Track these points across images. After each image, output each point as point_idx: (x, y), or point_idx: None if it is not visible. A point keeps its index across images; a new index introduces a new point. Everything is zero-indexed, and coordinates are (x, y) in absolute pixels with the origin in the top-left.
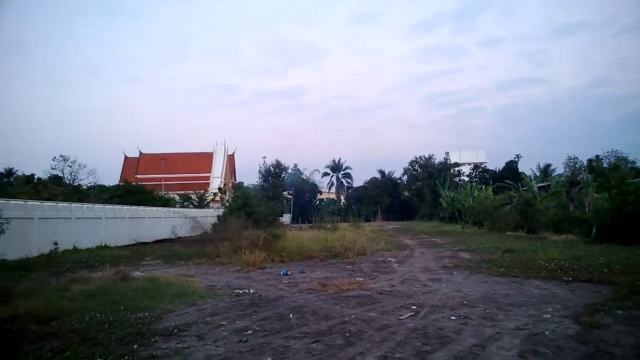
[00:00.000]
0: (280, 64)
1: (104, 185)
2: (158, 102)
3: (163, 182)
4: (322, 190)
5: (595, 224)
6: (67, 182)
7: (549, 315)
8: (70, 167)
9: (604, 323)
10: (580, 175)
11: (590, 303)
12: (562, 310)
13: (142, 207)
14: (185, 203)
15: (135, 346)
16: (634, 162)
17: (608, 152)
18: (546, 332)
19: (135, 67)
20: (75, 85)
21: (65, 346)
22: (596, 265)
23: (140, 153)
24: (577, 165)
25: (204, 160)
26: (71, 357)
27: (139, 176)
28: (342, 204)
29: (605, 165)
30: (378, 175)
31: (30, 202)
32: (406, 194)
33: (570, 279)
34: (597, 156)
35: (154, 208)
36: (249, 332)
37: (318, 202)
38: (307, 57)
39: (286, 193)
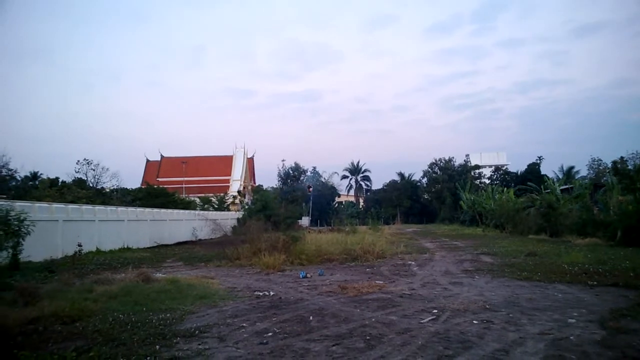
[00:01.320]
0: (296, 68)
1: (126, 188)
2: (178, 107)
3: (184, 185)
4: (341, 192)
5: (620, 227)
6: (91, 185)
7: (573, 320)
8: (94, 170)
9: (630, 328)
10: (605, 178)
11: (616, 308)
12: (587, 315)
13: (163, 210)
14: (206, 206)
15: (158, 347)
16: None
17: (633, 153)
18: (571, 337)
19: (155, 72)
20: (97, 90)
21: (89, 346)
22: (622, 269)
23: (162, 156)
24: (601, 167)
25: (224, 163)
26: (95, 357)
27: (160, 179)
28: (361, 206)
29: (630, 167)
30: (397, 178)
31: (54, 205)
32: (426, 196)
33: (595, 283)
34: (621, 158)
35: (175, 210)
36: (269, 334)
37: (337, 204)
38: (324, 60)
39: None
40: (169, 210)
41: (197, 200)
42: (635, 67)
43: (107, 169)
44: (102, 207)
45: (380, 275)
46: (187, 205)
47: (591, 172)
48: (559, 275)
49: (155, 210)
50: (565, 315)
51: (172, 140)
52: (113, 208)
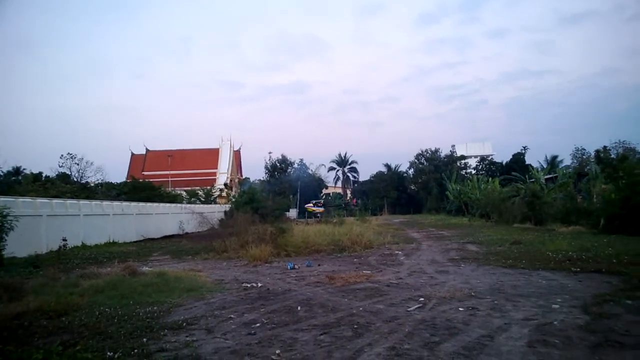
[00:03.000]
0: (285, 59)
1: (111, 183)
2: (164, 100)
3: (170, 179)
4: (328, 184)
5: (603, 215)
6: (75, 179)
7: (557, 306)
8: (78, 164)
9: (613, 313)
10: (588, 167)
11: (599, 293)
12: (570, 301)
13: (149, 204)
14: (192, 199)
15: (145, 340)
16: None
17: (616, 142)
18: (555, 323)
19: (140, 64)
20: (80, 83)
21: (76, 340)
22: (604, 256)
23: (147, 150)
24: (584, 157)
25: (210, 156)
26: (82, 351)
27: (145, 173)
28: (348, 198)
29: (613, 156)
30: (384, 169)
31: (38, 200)
32: (412, 187)
33: (578, 269)
34: (604, 147)
35: (161, 204)
36: (257, 324)
37: (324, 196)
38: (312, 51)
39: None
40: (155, 204)
41: (184, 193)
42: (622, 56)
43: (92, 163)
44: (86, 202)
45: (368, 265)
46: (174, 199)
47: (575, 161)
48: (543, 262)
49: (141, 204)
50: (549, 301)
51: (158, 134)
52: (98, 202)
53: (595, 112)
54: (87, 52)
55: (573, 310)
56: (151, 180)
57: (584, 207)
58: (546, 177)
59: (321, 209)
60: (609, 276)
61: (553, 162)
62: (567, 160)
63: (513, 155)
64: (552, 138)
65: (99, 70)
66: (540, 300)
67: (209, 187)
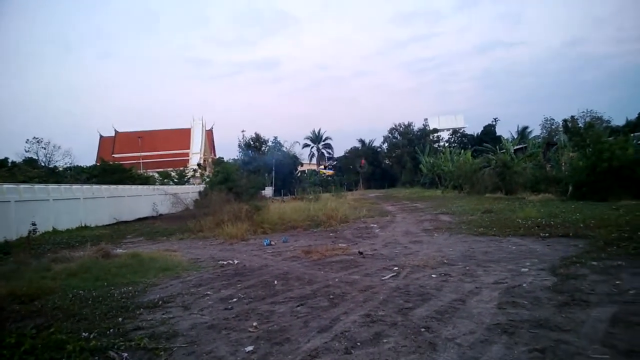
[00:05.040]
0: (254, 34)
1: (80, 166)
2: (131, 79)
3: (141, 161)
4: (303, 161)
5: (571, 182)
6: (43, 164)
7: (526, 269)
8: (45, 149)
9: (579, 274)
10: (557, 136)
11: (566, 256)
12: (539, 264)
13: (120, 186)
14: (165, 180)
15: (120, 319)
16: (608, 121)
17: (583, 112)
18: (524, 285)
19: (106, 42)
20: (44, 63)
21: (49, 323)
22: (572, 221)
23: (116, 132)
24: (553, 127)
25: (182, 136)
26: (56, 333)
27: (116, 155)
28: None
29: (580, 124)
30: (358, 145)
31: (5, 186)
32: (387, 161)
33: (547, 235)
34: (572, 116)
35: (134, 186)
36: (234, 299)
37: (299, 173)
38: (282, 25)
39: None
40: (127, 186)
41: (156, 175)
42: (587, 26)
43: (59, 147)
44: (55, 186)
45: (344, 238)
46: (146, 181)
47: (544, 131)
48: (513, 229)
49: (113, 186)
50: (518, 265)
51: (127, 115)
52: (67, 186)
53: (564, 82)
54: (49, 29)
55: (541, 273)
56: (122, 162)
57: (553, 175)
58: (516, 147)
59: (331, 171)
60: (576, 240)
61: (523, 133)
62: (537, 130)
63: (484, 127)
64: (522, 109)
65: (63, 48)
66: (510, 265)
67: (182, 168)
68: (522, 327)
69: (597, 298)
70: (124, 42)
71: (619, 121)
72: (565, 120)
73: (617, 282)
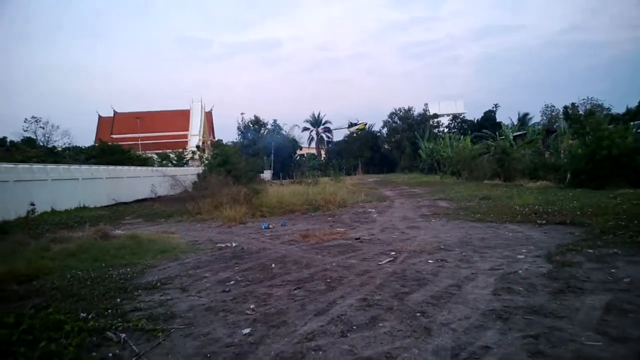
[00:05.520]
0: (253, 15)
1: (79, 147)
2: (130, 59)
3: (140, 142)
4: (303, 145)
5: (570, 169)
6: (41, 144)
7: (522, 256)
8: (43, 128)
9: (575, 261)
10: (557, 123)
11: (562, 244)
12: (535, 251)
13: (119, 167)
14: (164, 162)
15: (119, 300)
16: (609, 109)
17: (584, 99)
18: (519, 272)
19: (104, 21)
20: (43, 42)
21: (48, 303)
22: (569, 208)
23: (115, 112)
24: (553, 114)
25: (181, 118)
26: (54, 313)
27: (114, 136)
28: (322, 158)
29: (580, 112)
30: None
31: (4, 165)
32: (386, 146)
33: (544, 222)
34: (572, 104)
35: (132, 167)
36: (232, 282)
37: (298, 157)
38: (281, 5)
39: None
40: (126, 167)
41: (155, 156)
42: (588, 11)
43: (58, 126)
44: (54, 166)
45: (342, 223)
46: (144, 162)
47: (544, 118)
48: (511, 216)
49: (111, 167)
50: (514, 252)
51: (126, 95)
52: (66, 166)
53: (566, 69)
54: (45, 8)
55: (537, 260)
56: (120, 143)
57: (552, 162)
58: (516, 134)
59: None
60: (573, 227)
61: (523, 119)
62: (537, 117)
63: (484, 113)
64: (523, 95)
65: (61, 28)
66: (506, 252)
67: (180, 150)
68: (516, 314)
69: (592, 286)
70: (123, 22)
71: (619, 109)
72: (565, 108)
73: (613, 270)
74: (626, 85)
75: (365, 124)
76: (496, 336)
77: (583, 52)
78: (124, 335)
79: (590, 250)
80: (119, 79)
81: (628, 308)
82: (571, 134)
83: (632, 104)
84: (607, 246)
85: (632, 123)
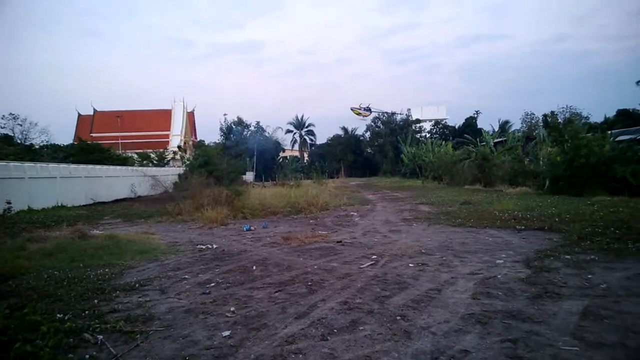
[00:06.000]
0: (237, 16)
1: (57, 145)
2: (112, 58)
3: (120, 141)
4: (285, 147)
5: (549, 176)
6: (19, 141)
7: (501, 261)
8: (21, 125)
9: (553, 267)
10: (536, 131)
11: (540, 249)
12: (514, 256)
13: (98, 166)
14: (144, 162)
15: (96, 301)
16: (587, 118)
17: (563, 107)
18: (498, 276)
19: (87, 20)
20: (23, 40)
21: (23, 304)
22: (548, 214)
23: (95, 111)
24: (533, 121)
25: (163, 118)
26: (30, 314)
27: (94, 135)
28: (305, 161)
29: (560, 120)
30: (341, 132)
31: None
32: (369, 150)
33: (523, 227)
34: (552, 112)
35: (112, 167)
36: (212, 284)
37: (281, 159)
38: (266, 7)
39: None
40: (105, 167)
41: (135, 156)
42: (569, 23)
43: (36, 124)
44: (32, 164)
45: (323, 226)
46: (124, 162)
47: (524, 125)
48: (490, 221)
49: (90, 166)
50: (494, 257)
51: (106, 94)
52: (44, 165)
53: (545, 78)
54: (27, 6)
55: (516, 265)
56: (100, 142)
57: (531, 169)
58: (496, 140)
59: (368, 113)
60: (551, 233)
61: (504, 126)
62: (517, 124)
63: (466, 119)
64: (504, 103)
65: (42, 25)
66: (485, 256)
67: (161, 150)
68: (495, 318)
69: (569, 291)
70: (105, 21)
71: (597, 118)
72: (545, 115)
73: (589, 276)
74: (605, 95)
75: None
76: (475, 340)
77: (564, 62)
78: (101, 336)
79: (568, 256)
80: (100, 78)
81: (604, 314)
82: (550, 141)
83: (610, 113)
84: (584, 252)
85: (609, 132)
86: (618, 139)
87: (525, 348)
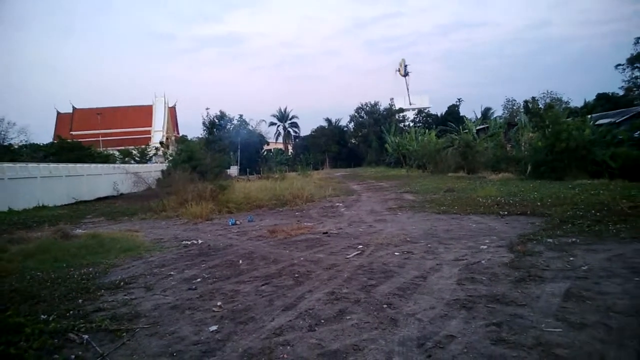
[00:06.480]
0: (217, 9)
1: (37, 144)
2: (91, 54)
3: (101, 138)
4: (269, 140)
5: (530, 162)
6: None
7: (485, 247)
8: None
9: (535, 251)
10: (518, 117)
11: (523, 234)
12: (497, 241)
13: (79, 165)
14: (126, 159)
15: (81, 301)
16: (567, 102)
17: (544, 93)
18: (482, 262)
19: (64, 16)
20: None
21: (6, 306)
22: (530, 199)
23: (74, 108)
24: (514, 107)
25: (144, 114)
26: (13, 316)
27: (74, 133)
28: (290, 153)
29: (541, 105)
30: (325, 124)
31: None
32: (353, 141)
33: (506, 213)
34: (533, 98)
35: (93, 165)
36: (198, 280)
37: (265, 152)
38: (247, 0)
39: None
40: (86, 165)
41: (117, 153)
42: (549, 9)
43: (14, 123)
44: (11, 165)
45: (309, 217)
46: (106, 159)
47: (506, 112)
48: (474, 207)
49: (71, 165)
50: (478, 243)
51: (87, 91)
52: (23, 165)
53: (526, 64)
54: (3, 6)
55: (499, 250)
56: (80, 140)
57: (513, 155)
58: (479, 127)
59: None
60: (533, 218)
61: (486, 113)
62: (499, 111)
63: (449, 107)
64: (486, 90)
65: (18, 23)
66: (469, 242)
67: (143, 146)
68: (479, 302)
69: (552, 274)
70: (82, 17)
71: (577, 102)
72: (526, 101)
73: (571, 259)
74: (585, 80)
75: None
76: (460, 325)
77: (545, 48)
78: (86, 336)
79: (550, 240)
80: (79, 75)
81: (586, 295)
82: (531, 127)
83: (590, 98)
84: (566, 235)
85: (589, 116)
86: (598, 122)
87: (510, 331)
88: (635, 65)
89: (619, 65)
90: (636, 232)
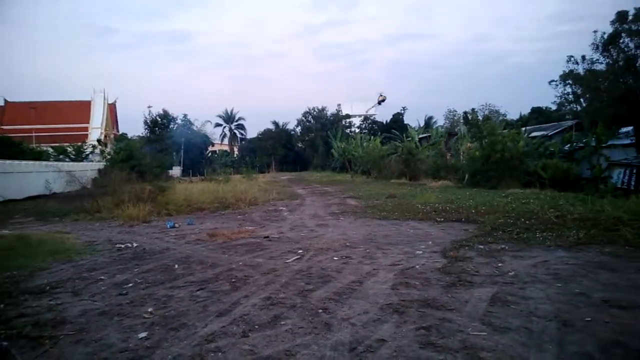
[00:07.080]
0: (163, 5)
1: None
2: (25, 46)
3: (34, 134)
4: (215, 141)
5: (468, 170)
6: None
7: (420, 252)
8: None
9: (467, 256)
10: (458, 127)
11: (457, 240)
12: (432, 247)
13: (8, 161)
14: (61, 156)
15: (2, 306)
16: (505, 115)
17: (483, 105)
18: (417, 267)
19: None
20: None
21: None
22: (465, 207)
23: (6, 101)
24: (455, 118)
25: (81, 109)
26: None
27: (5, 127)
28: (235, 155)
29: (479, 117)
30: (272, 127)
31: None
32: (300, 145)
33: (442, 219)
34: (472, 109)
35: (24, 162)
36: (130, 285)
37: (210, 154)
38: None
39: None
40: (17, 162)
41: (50, 150)
42: (490, 24)
43: None
44: None
45: (251, 221)
46: (38, 156)
47: (447, 122)
48: (413, 213)
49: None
50: (414, 248)
51: (20, 84)
52: None
53: (467, 76)
54: None
55: (433, 255)
56: (11, 135)
57: (452, 163)
58: (421, 136)
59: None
60: (468, 224)
61: (428, 123)
62: (441, 120)
63: (393, 115)
64: (429, 100)
65: None
66: (406, 248)
67: (80, 144)
68: (411, 307)
69: (481, 279)
70: (16, 6)
71: (514, 115)
72: (465, 113)
73: (499, 265)
74: (521, 93)
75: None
76: (392, 329)
77: (485, 61)
78: (6, 343)
79: (481, 246)
80: (12, 67)
81: (511, 300)
82: (470, 137)
83: (525, 111)
84: (496, 242)
85: (524, 129)
86: (532, 134)
87: (438, 335)
88: (567, 81)
89: (553, 81)
90: (561, 240)
